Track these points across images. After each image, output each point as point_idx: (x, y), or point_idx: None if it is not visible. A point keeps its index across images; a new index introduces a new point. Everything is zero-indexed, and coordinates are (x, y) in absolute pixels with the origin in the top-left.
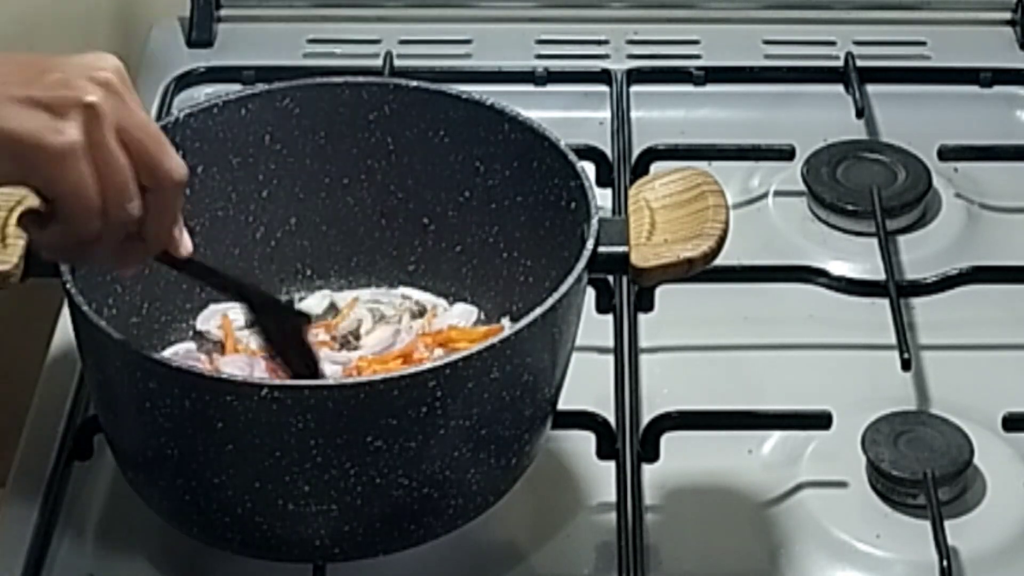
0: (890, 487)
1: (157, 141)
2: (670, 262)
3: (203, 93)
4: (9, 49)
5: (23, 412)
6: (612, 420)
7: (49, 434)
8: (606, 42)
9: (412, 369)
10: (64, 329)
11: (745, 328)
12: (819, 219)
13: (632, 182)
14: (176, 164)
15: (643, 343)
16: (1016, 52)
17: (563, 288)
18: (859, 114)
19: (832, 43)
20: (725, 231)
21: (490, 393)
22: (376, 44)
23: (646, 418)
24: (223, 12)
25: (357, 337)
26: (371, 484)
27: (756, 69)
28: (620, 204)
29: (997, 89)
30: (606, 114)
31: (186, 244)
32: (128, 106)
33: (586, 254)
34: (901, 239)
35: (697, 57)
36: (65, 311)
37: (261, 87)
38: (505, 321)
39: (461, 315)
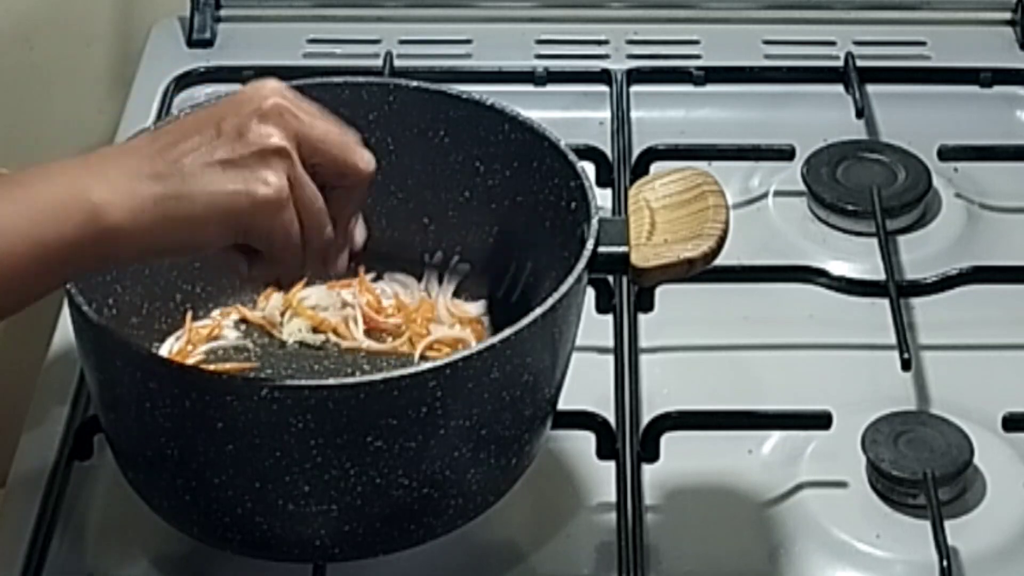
0: (890, 487)
1: (340, 144)
2: (670, 262)
3: (203, 93)
4: (8, 49)
5: (23, 412)
6: (612, 420)
7: (49, 434)
8: (606, 42)
9: (412, 369)
10: (64, 329)
11: (745, 328)
12: (819, 219)
13: (632, 182)
14: (363, 160)
15: (643, 343)
16: (1016, 52)
17: (563, 288)
18: (859, 114)
19: (832, 43)
20: (725, 231)
21: (490, 393)
22: (376, 44)
23: (646, 418)
24: (223, 12)
25: None
26: (371, 484)
27: (756, 69)
28: (620, 204)
29: (997, 89)
30: (606, 114)
31: (362, 233)
32: (302, 121)
33: (586, 254)
34: (901, 239)
35: (697, 57)
36: (65, 311)
37: None
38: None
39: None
